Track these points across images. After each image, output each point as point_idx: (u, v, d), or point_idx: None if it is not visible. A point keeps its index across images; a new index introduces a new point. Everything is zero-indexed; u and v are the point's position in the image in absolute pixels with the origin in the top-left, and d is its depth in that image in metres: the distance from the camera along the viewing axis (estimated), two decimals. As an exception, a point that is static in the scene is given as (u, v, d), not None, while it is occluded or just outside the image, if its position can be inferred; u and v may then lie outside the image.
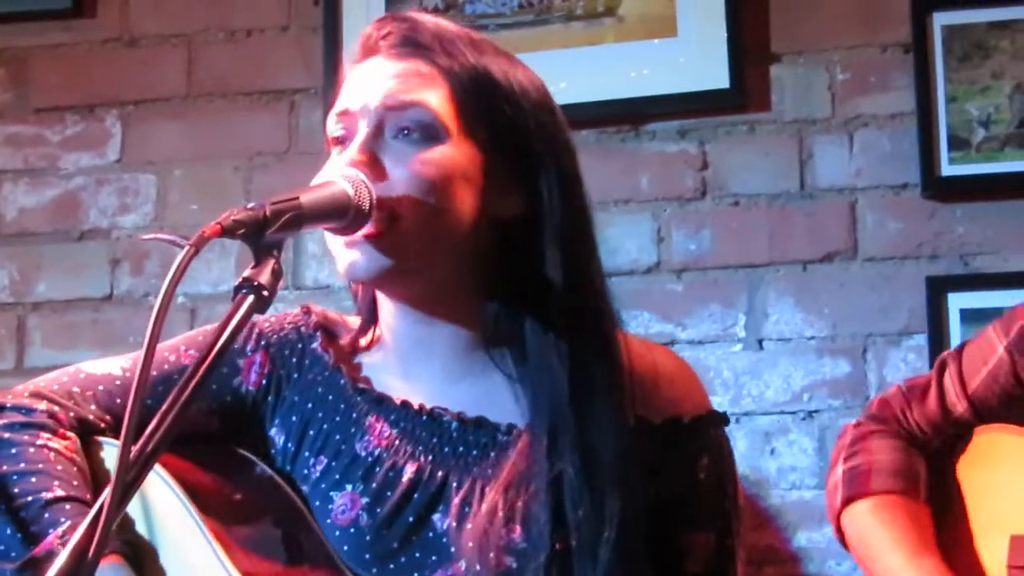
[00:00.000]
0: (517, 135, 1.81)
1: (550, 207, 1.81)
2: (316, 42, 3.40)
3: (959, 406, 2.27)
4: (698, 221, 3.21)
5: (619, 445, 1.75)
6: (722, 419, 1.91)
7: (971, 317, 3.01)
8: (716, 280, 3.19)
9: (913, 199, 3.11)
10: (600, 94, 3.25)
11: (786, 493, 3.09)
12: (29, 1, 3.54)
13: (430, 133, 1.77)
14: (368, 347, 1.93)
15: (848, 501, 2.30)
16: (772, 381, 3.12)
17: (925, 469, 2.30)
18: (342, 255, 1.77)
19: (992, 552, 2.15)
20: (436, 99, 1.78)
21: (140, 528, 1.78)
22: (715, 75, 3.19)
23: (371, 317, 1.92)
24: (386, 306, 1.87)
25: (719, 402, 3.11)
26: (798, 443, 3.10)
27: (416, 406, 1.83)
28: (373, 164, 1.75)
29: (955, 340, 3.01)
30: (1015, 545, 2.11)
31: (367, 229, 1.72)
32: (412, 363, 1.86)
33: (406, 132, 1.77)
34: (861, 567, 2.32)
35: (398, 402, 1.84)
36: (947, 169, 3.08)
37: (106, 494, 1.29)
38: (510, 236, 1.81)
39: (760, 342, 3.14)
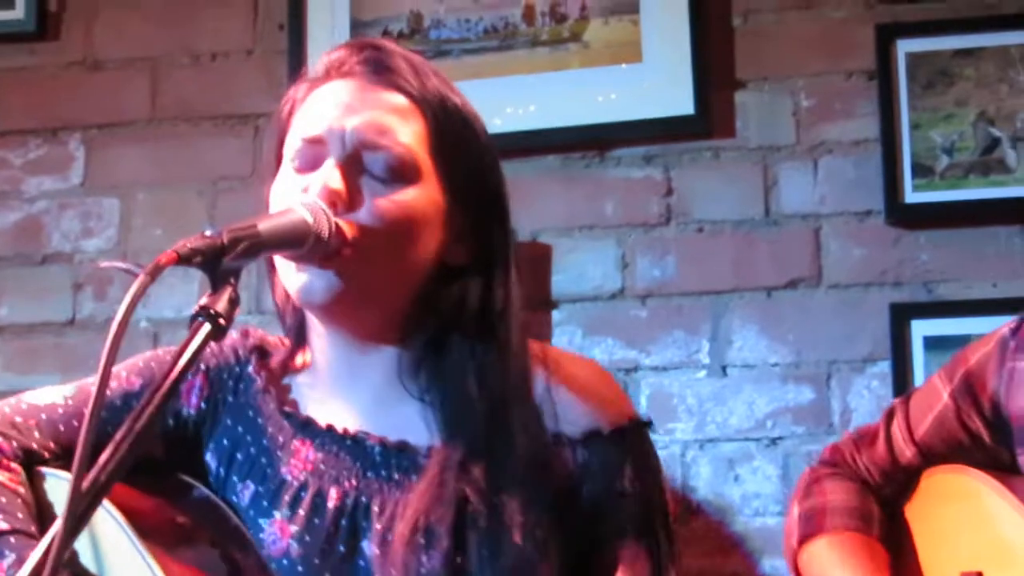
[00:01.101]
0: (478, 185, 1.84)
1: (494, 260, 1.85)
2: (281, 66, 3.39)
3: (907, 452, 2.28)
4: (663, 247, 3.21)
5: (528, 471, 1.76)
6: (644, 426, 1.90)
7: (935, 344, 3.01)
8: (680, 306, 3.18)
9: (877, 226, 3.12)
10: (565, 120, 3.25)
11: (750, 520, 3.08)
12: (-8, 24, 3.53)
13: (403, 174, 1.78)
14: (299, 369, 1.93)
15: (804, 540, 2.30)
16: (736, 408, 3.12)
17: (879, 510, 2.30)
18: (293, 278, 1.77)
19: None
20: (412, 138, 1.79)
21: (85, 560, 1.76)
22: (680, 101, 3.20)
23: (299, 340, 1.93)
24: (318, 332, 1.88)
25: (683, 428, 3.11)
26: (762, 470, 3.09)
27: (340, 430, 1.84)
28: (347, 193, 1.74)
29: (919, 367, 3.01)
30: None
31: (326, 255, 1.72)
32: (340, 388, 1.88)
33: (380, 169, 1.77)
34: None
35: (323, 426, 1.85)
36: (911, 196, 3.08)
37: (57, 524, 1.28)
38: (450, 278, 1.83)
39: (724, 368, 3.14)
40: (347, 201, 1.74)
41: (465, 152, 1.84)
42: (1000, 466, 2.19)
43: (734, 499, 3.10)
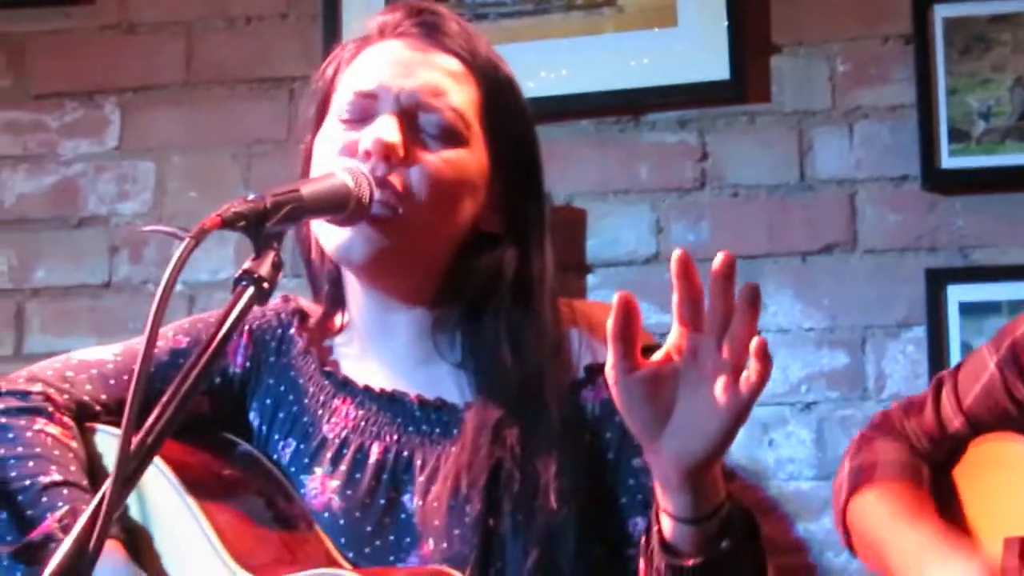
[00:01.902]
0: (521, 154, 1.86)
1: (528, 229, 1.87)
2: (316, 30, 3.39)
3: (955, 421, 2.28)
4: (697, 212, 3.20)
5: (562, 439, 1.77)
6: None
7: (970, 310, 3.01)
8: (715, 271, 3.17)
9: (913, 191, 3.11)
10: (599, 84, 3.24)
11: (784, 484, 3.09)
12: (28, -13, 3.54)
13: (455, 136, 1.80)
14: (338, 331, 1.95)
15: (853, 492, 2.30)
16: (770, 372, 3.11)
17: (928, 470, 2.30)
18: (335, 235, 1.78)
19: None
20: (466, 103, 1.81)
21: (134, 513, 1.79)
22: (715, 66, 3.18)
23: (335, 302, 1.94)
24: (353, 290, 1.90)
25: (717, 393, 3.10)
26: (796, 434, 3.10)
27: (378, 389, 1.87)
28: (400, 149, 1.76)
29: (954, 333, 3.01)
30: (1008, 547, 2.11)
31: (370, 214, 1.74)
32: (374, 346, 1.91)
33: (434, 130, 1.79)
34: (864, 555, 2.31)
35: (361, 385, 1.87)
36: (947, 162, 3.07)
37: (107, 485, 1.29)
38: (480, 246, 1.85)
39: (759, 333, 3.13)
40: (401, 156, 1.76)
41: (512, 121, 1.87)
42: None
43: (768, 463, 3.10)
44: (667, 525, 1.63)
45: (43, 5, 3.54)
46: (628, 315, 1.52)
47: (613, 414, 1.75)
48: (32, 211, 3.50)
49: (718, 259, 1.52)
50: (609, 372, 1.55)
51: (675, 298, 1.54)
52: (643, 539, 1.69)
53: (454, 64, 1.83)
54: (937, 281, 3.05)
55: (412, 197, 1.76)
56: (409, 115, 1.79)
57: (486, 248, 1.86)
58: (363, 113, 1.81)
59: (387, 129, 1.77)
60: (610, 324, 1.52)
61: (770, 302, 3.14)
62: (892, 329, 3.09)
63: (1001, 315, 2.93)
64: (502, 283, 1.84)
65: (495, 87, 1.85)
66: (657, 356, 1.55)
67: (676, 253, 1.52)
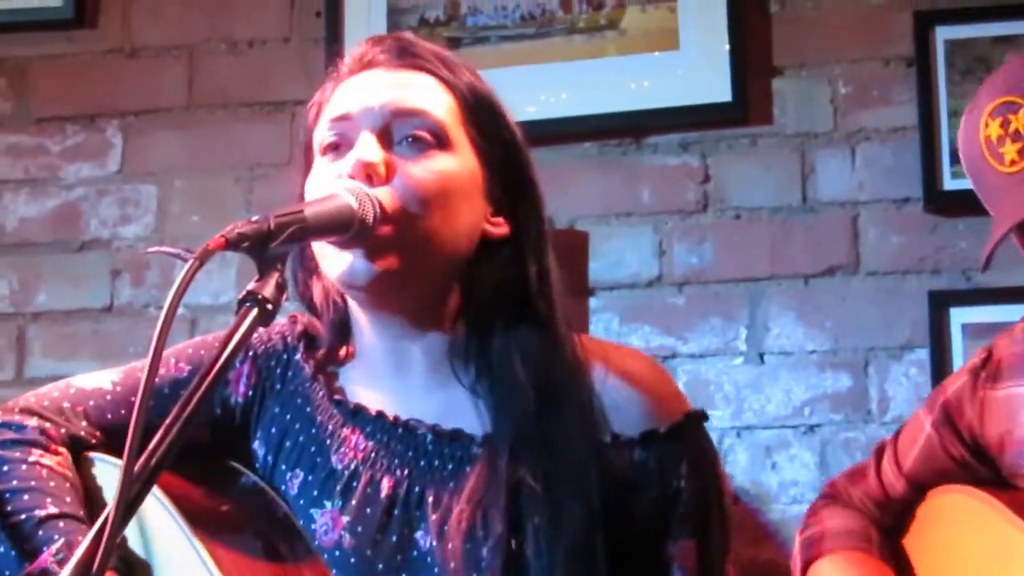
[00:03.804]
0: (511, 157, 1.83)
1: (530, 234, 1.83)
2: (317, 53, 3.40)
3: (897, 485, 2.32)
4: (700, 234, 3.21)
5: (582, 455, 1.75)
6: (700, 418, 1.86)
7: (973, 332, 3.00)
8: (717, 293, 3.18)
9: (915, 213, 3.11)
10: (602, 107, 3.25)
11: (787, 507, 3.08)
12: (31, 11, 3.54)
13: (436, 141, 1.77)
14: (344, 359, 1.92)
15: (806, 567, 2.32)
16: (773, 395, 3.12)
17: (877, 534, 2.33)
18: (336, 259, 1.75)
19: None
20: (442, 108, 1.78)
21: (134, 545, 1.77)
22: (717, 88, 3.19)
23: (340, 335, 1.91)
24: (361, 320, 1.86)
25: (720, 415, 3.11)
26: (799, 457, 3.09)
27: (391, 418, 1.82)
28: (381, 166, 1.74)
29: (957, 355, 3.01)
30: None
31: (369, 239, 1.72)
32: (386, 375, 1.85)
33: (412, 138, 1.76)
34: None
35: (373, 413, 1.83)
36: (949, 183, 3.07)
37: (109, 510, 1.28)
38: (488, 256, 1.82)
39: (761, 356, 3.14)
40: (384, 174, 1.74)
41: (496, 125, 1.83)
42: (990, 483, 2.22)
43: (771, 487, 3.10)
44: None
45: (45, 29, 3.55)
46: None
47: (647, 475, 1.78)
48: (34, 235, 3.50)
49: None
50: None
51: None
52: None
53: (427, 79, 1.81)
54: (940, 303, 3.05)
55: (404, 212, 1.73)
56: (386, 130, 1.77)
57: (492, 256, 1.83)
58: (342, 140, 1.79)
59: (366, 149, 1.74)
60: None
61: (773, 325, 3.14)
62: (895, 351, 3.08)
63: (1004, 337, 2.93)
64: (506, 291, 1.82)
65: (473, 95, 1.82)
66: None
67: None
